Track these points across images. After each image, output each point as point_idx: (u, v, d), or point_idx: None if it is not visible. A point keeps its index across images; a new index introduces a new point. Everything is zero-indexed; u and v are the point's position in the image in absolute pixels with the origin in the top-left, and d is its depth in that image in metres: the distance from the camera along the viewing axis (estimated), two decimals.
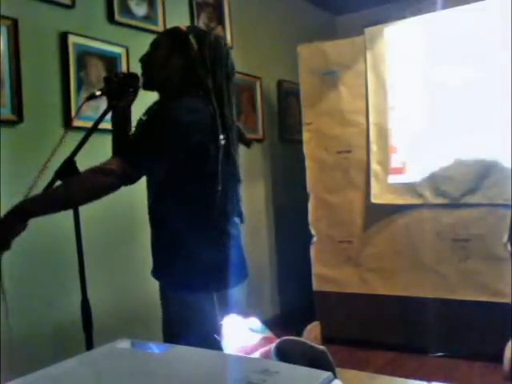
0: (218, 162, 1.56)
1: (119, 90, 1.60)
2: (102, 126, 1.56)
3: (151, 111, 1.65)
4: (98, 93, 1.55)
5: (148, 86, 1.65)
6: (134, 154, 1.47)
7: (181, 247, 1.57)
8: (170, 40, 1.62)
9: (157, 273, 1.67)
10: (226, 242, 1.63)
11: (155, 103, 1.70)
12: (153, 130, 1.50)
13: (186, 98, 1.56)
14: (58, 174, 1.37)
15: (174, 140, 1.50)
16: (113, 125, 1.70)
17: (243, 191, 1.76)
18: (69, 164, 1.38)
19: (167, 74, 1.62)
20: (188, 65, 1.59)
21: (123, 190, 1.82)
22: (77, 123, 2.43)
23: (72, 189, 1.41)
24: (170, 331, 1.60)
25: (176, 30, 1.65)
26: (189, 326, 1.53)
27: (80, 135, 1.46)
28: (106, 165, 1.43)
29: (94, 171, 1.42)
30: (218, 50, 1.63)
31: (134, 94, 1.66)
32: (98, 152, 1.76)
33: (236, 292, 1.66)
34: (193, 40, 1.58)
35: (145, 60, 1.66)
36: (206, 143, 1.55)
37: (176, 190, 1.57)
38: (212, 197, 1.56)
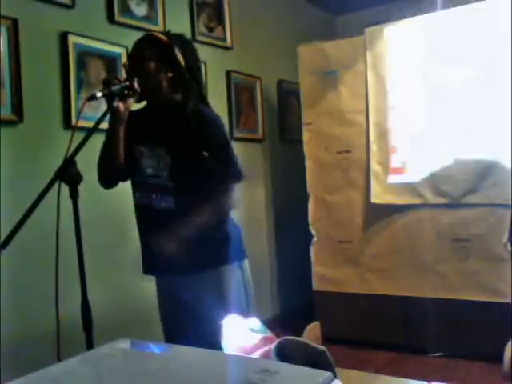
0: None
1: (119, 92, 1.62)
2: (102, 126, 1.57)
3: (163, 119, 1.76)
4: (99, 94, 1.56)
5: (140, 97, 1.73)
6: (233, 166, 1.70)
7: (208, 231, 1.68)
8: (156, 53, 1.72)
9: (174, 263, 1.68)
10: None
11: (149, 110, 1.81)
12: (216, 136, 1.70)
13: (196, 103, 1.72)
14: (59, 174, 1.37)
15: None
16: (109, 126, 1.71)
17: (243, 191, 1.78)
18: (69, 164, 1.38)
19: (158, 84, 1.72)
20: (176, 73, 1.72)
21: (122, 190, 1.82)
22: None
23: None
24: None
25: (158, 42, 1.73)
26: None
27: (80, 135, 1.46)
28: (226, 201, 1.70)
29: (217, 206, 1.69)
30: (196, 56, 1.81)
31: (134, 97, 1.67)
32: (98, 152, 1.77)
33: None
34: (177, 50, 1.72)
35: (133, 73, 1.70)
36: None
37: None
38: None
